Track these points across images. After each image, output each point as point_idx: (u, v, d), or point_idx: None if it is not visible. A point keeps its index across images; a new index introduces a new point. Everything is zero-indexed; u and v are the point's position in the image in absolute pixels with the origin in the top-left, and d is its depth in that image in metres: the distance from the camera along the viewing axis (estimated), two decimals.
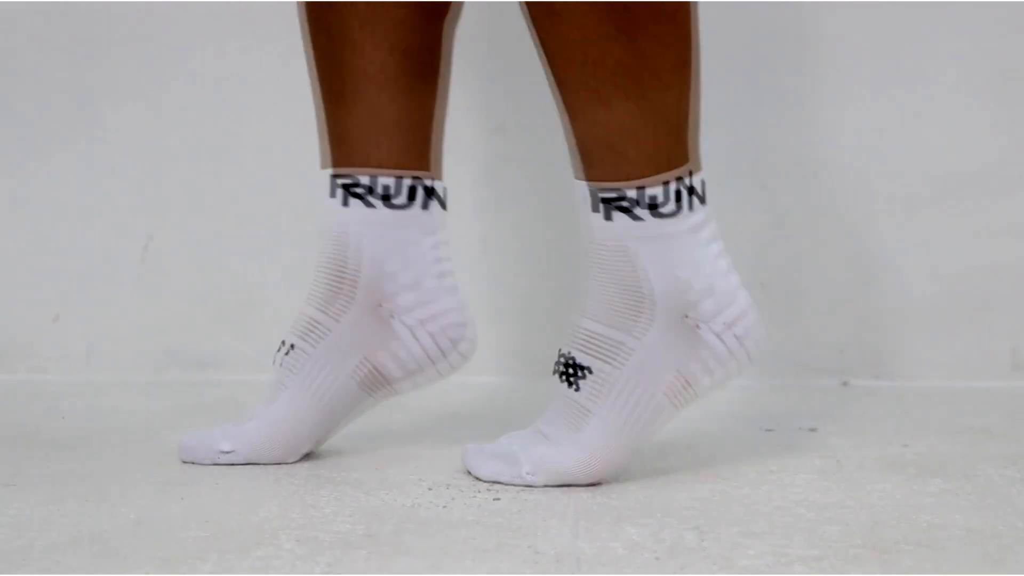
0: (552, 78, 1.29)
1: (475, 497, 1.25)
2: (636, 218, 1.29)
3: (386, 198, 1.41)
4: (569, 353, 1.33)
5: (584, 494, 1.26)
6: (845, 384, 1.91)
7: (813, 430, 1.57)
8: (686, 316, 1.31)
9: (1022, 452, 1.45)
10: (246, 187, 2.00)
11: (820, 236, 1.93)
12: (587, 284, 1.32)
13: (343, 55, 1.40)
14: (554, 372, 1.34)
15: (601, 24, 1.24)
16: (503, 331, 1.96)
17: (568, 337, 1.33)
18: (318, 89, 1.43)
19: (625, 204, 1.29)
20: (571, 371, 1.32)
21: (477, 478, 1.32)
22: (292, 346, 1.43)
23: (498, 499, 1.25)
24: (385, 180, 1.41)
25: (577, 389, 1.31)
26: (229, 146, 2.00)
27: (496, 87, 1.95)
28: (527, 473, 1.29)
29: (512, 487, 1.29)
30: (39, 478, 1.35)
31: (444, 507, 1.22)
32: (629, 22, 1.24)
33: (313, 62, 1.43)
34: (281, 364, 1.43)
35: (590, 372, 1.31)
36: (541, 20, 1.26)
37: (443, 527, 1.16)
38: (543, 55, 1.28)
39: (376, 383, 1.42)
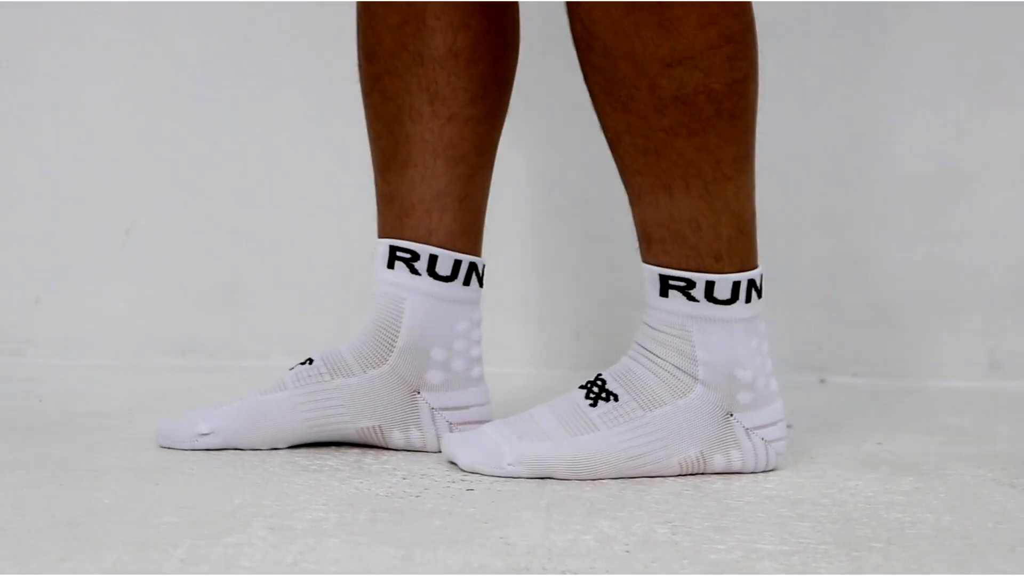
0: (617, 161, 1.31)
1: (449, 487, 1.26)
2: (692, 299, 1.31)
3: (431, 268, 1.40)
4: (603, 377, 1.34)
5: (557, 487, 1.27)
6: (822, 381, 1.92)
7: (789, 426, 1.57)
8: (722, 402, 1.32)
9: (996, 453, 1.46)
10: (228, 174, 2.00)
11: (799, 233, 1.93)
12: (639, 334, 1.34)
13: (400, 119, 1.41)
14: (581, 387, 1.34)
15: (665, 118, 1.25)
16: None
17: (609, 368, 1.35)
18: (374, 151, 1.43)
19: (682, 285, 1.30)
20: (596, 390, 1.33)
21: (457, 467, 1.32)
22: (311, 360, 1.42)
23: (471, 490, 1.25)
24: (433, 250, 1.40)
25: (593, 405, 1.32)
26: (211, 133, 2.00)
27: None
28: (508, 464, 1.29)
29: (487, 478, 1.29)
30: (14, 461, 1.35)
31: (418, 496, 1.22)
32: (694, 118, 1.25)
33: (370, 123, 1.43)
34: (292, 369, 1.42)
35: (615, 399, 1.32)
36: (607, 109, 1.28)
37: (416, 516, 1.16)
38: (607, 139, 1.30)
39: (375, 441, 1.41)
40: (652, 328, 1.33)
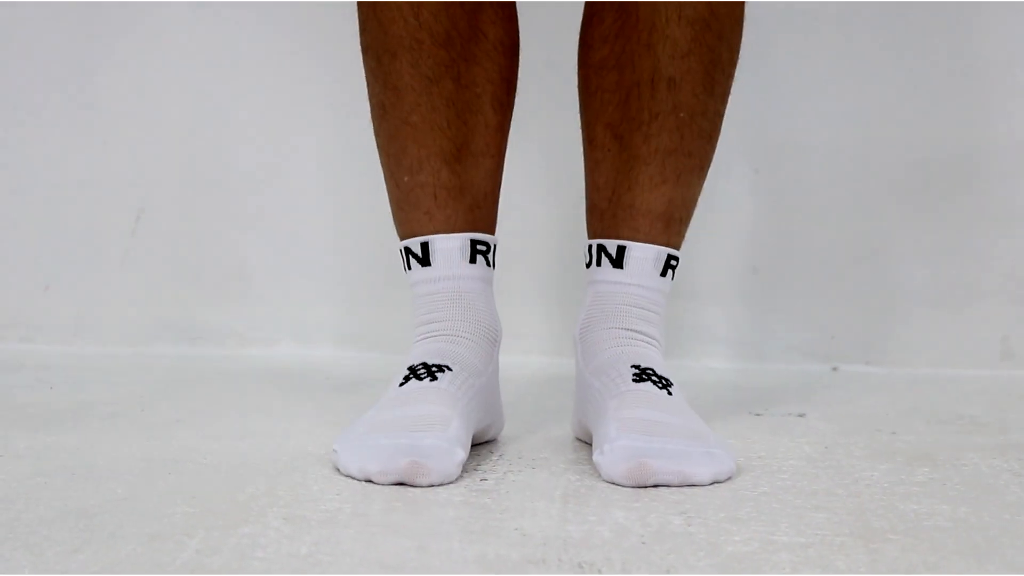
0: (662, 142, 1.37)
1: (463, 477, 1.25)
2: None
3: (495, 258, 1.41)
4: (650, 367, 1.34)
5: (572, 477, 1.26)
6: (835, 370, 1.91)
7: (802, 416, 1.57)
8: None
9: (1010, 442, 1.45)
10: (238, 162, 1.99)
11: (812, 222, 1.93)
12: (625, 317, 1.38)
13: (481, 108, 1.38)
14: (636, 379, 1.32)
15: (723, 105, 1.42)
16: None
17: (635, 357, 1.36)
18: (436, 140, 1.37)
19: (675, 264, 1.40)
20: (655, 378, 1.33)
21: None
22: (439, 367, 1.32)
23: (485, 479, 1.24)
24: (489, 238, 1.40)
25: (670, 394, 1.32)
26: (221, 121, 1.99)
27: None
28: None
29: (500, 468, 1.28)
30: (26, 451, 1.35)
31: (432, 487, 1.22)
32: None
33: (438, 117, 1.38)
34: (452, 382, 1.32)
35: (671, 385, 1.33)
36: (698, 90, 1.38)
37: (431, 507, 1.15)
38: (656, 123, 1.37)
39: (480, 439, 1.39)
40: (641, 308, 1.36)
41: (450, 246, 1.36)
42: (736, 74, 1.91)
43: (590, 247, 1.40)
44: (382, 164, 1.39)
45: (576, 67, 1.41)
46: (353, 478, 1.23)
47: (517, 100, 1.41)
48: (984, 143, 1.90)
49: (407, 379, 1.31)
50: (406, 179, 1.36)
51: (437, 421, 1.24)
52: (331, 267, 1.98)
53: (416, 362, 1.32)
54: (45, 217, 2.00)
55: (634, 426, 1.24)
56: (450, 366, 1.31)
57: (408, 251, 1.37)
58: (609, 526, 1.10)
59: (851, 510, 1.16)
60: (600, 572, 0.99)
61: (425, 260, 1.36)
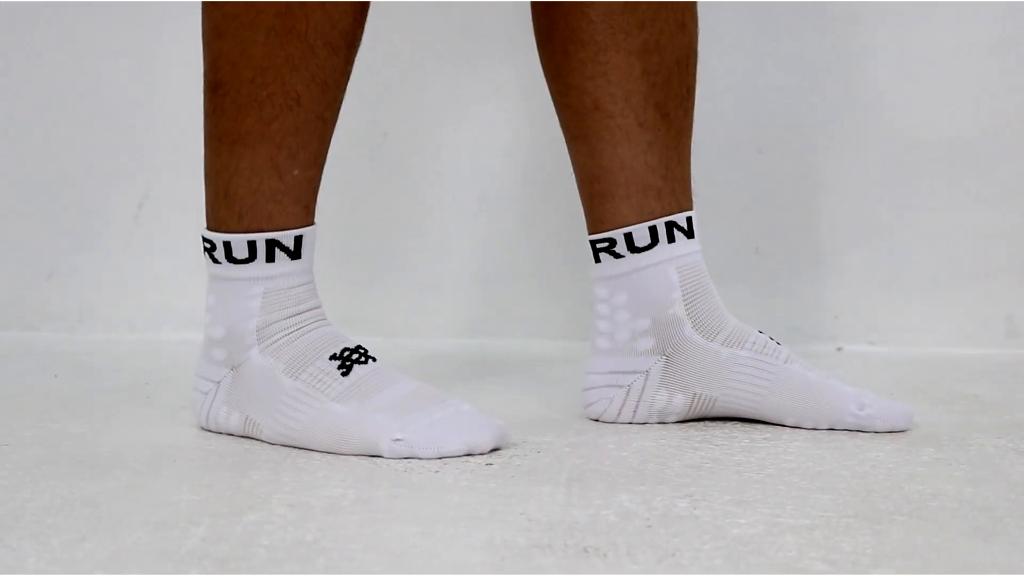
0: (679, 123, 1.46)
1: (467, 462, 1.25)
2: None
3: None
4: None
5: (577, 461, 1.26)
6: (839, 350, 1.91)
7: None
8: None
9: (1015, 422, 1.45)
10: None
11: (816, 201, 1.93)
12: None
13: None
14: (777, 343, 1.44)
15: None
16: (490, 294, 1.97)
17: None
18: None
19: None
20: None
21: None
22: (366, 349, 1.36)
23: (491, 464, 1.25)
24: None
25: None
26: None
27: (494, 48, 1.95)
28: None
29: (505, 453, 1.29)
30: (31, 439, 1.35)
31: (437, 472, 1.22)
32: None
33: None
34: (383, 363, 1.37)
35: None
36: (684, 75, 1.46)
37: (436, 493, 1.15)
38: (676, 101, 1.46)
39: None
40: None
41: (312, 240, 1.36)
42: (739, 55, 1.91)
43: (653, 228, 1.42)
44: (260, 156, 1.32)
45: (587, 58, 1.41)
46: (453, 456, 1.27)
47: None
48: (988, 122, 1.90)
49: (348, 365, 1.32)
50: (296, 173, 1.33)
51: (438, 393, 1.32)
52: (334, 252, 1.98)
53: (339, 349, 1.33)
54: (48, 205, 2.00)
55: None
56: (366, 349, 1.35)
57: (275, 244, 1.33)
58: (614, 510, 1.10)
59: (856, 491, 1.16)
60: (606, 556, 0.99)
61: (296, 253, 1.34)
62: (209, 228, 1.35)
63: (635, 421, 1.43)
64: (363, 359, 1.33)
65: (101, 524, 1.06)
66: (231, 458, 1.28)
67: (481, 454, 1.28)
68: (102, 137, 1.99)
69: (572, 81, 1.42)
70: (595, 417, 1.44)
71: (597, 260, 1.43)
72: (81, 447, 1.31)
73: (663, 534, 1.04)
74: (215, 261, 1.34)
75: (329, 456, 1.28)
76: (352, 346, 1.34)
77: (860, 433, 1.38)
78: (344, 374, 1.31)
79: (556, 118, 1.46)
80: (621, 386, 1.42)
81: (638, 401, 1.42)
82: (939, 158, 1.90)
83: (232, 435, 1.36)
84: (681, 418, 1.43)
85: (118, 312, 2.00)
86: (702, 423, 1.42)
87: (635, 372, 1.42)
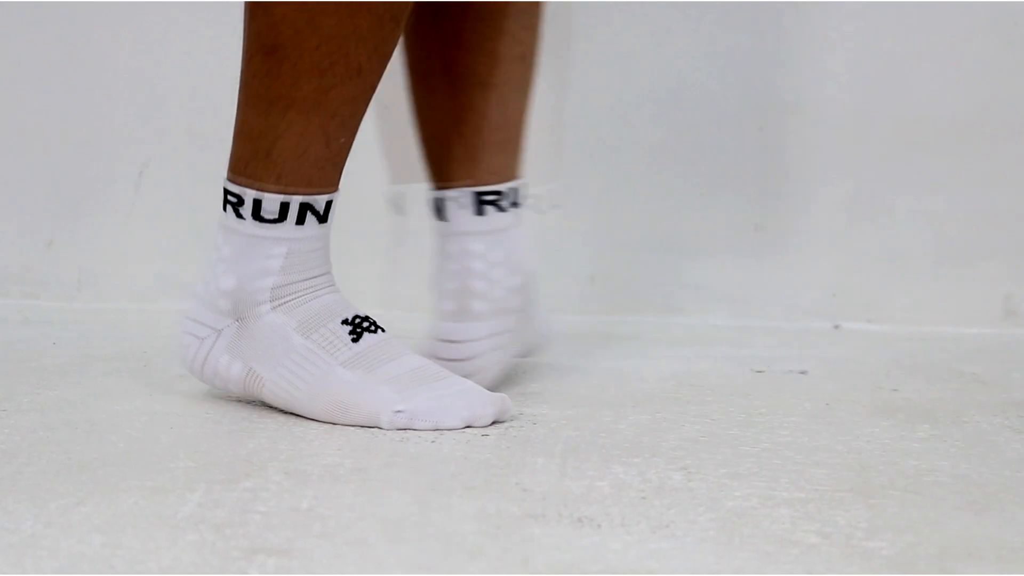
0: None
1: (464, 432, 1.26)
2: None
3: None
4: None
5: (572, 432, 1.27)
6: (837, 327, 1.91)
7: (804, 373, 1.57)
8: None
9: (1012, 400, 1.45)
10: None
11: (815, 179, 1.93)
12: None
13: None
14: None
15: None
16: None
17: None
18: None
19: None
20: None
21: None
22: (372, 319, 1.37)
23: (486, 435, 1.25)
24: None
25: None
26: (225, 74, 1.99)
27: None
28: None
29: (502, 424, 1.29)
30: (29, 405, 1.35)
31: (432, 442, 1.22)
32: None
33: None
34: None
35: None
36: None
37: (431, 462, 1.16)
38: None
39: None
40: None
41: (336, 203, 1.37)
42: (739, 29, 1.91)
43: (519, 188, 1.49)
44: (313, 123, 1.32)
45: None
46: (453, 429, 1.27)
47: None
48: (987, 102, 1.90)
49: (359, 332, 1.33)
50: (342, 140, 1.33)
51: (442, 371, 1.33)
52: (336, 223, 1.98)
53: (351, 315, 1.34)
54: (48, 173, 2.00)
55: None
56: (375, 320, 1.36)
57: (308, 207, 1.34)
58: (609, 481, 1.11)
59: (851, 466, 1.17)
60: (600, 527, 0.99)
61: (324, 218, 1.35)
62: (237, 183, 1.34)
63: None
64: (373, 328, 1.33)
65: (97, 488, 1.06)
66: (228, 426, 1.28)
67: (481, 427, 1.28)
68: (102, 106, 1.99)
69: (507, 28, 1.43)
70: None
71: (479, 213, 1.43)
72: (79, 413, 1.31)
73: (657, 505, 1.04)
74: (239, 216, 1.34)
75: (326, 425, 1.28)
76: (363, 315, 1.34)
77: (856, 410, 1.38)
78: (354, 340, 1.31)
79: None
80: (501, 347, 1.44)
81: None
82: (939, 138, 1.91)
83: (222, 391, 1.36)
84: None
85: (117, 281, 2.00)
86: (699, 397, 1.43)
87: (506, 331, 1.45)
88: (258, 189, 1.32)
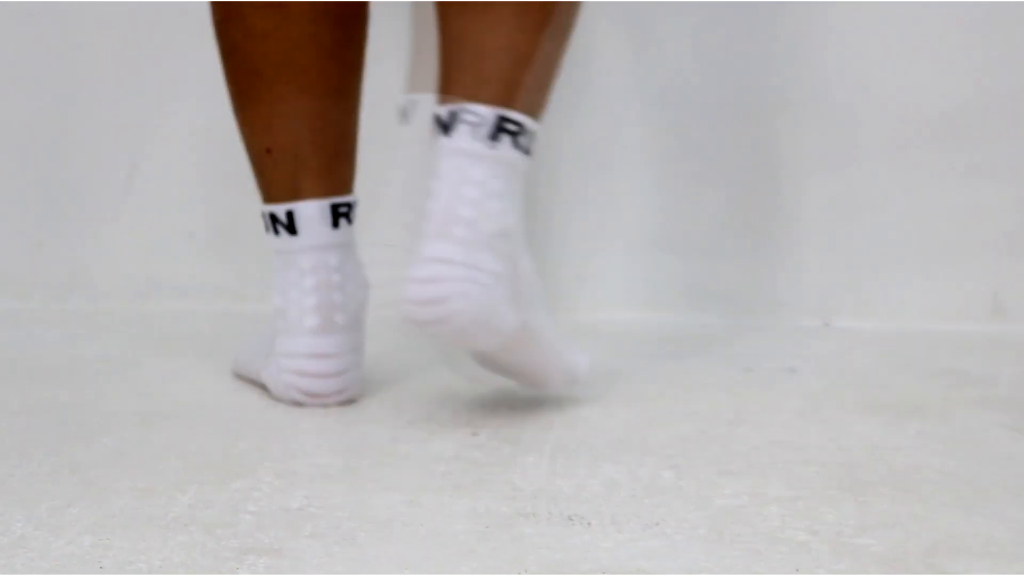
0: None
1: (454, 432, 1.26)
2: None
3: None
4: None
5: (562, 431, 1.27)
6: (826, 325, 1.91)
7: (793, 371, 1.57)
8: None
9: (1000, 396, 1.46)
10: (231, 117, 1.99)
11: (803, 175, 1.93)
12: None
13: None
14: None
15: None
16: None
17: None
18: None
19: None
20: None
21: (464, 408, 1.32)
22: None
23: (476, 434, 1.25)
24: None
25: None
26: (214, 75, 1.99)
27: None
28: None
29: (492, 423, 1.29)
30: (19, 406, 1.35)
31: (423, 441, 1.22)
32: None
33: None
34: None
35: None
36: None
37: (422, 461, 1.16)
38: None
39: None
40: None
41: None
42: (729, 26, 1.91)
43: None
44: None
45: None
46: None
47: None
48: (976, 99, 1.90)
49: None
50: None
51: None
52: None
53: None
54: (37, 174, 2.00)
55: None
56: None
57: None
58: (599, 480, 1.11)
59: (840, 464, 1.17)
60: (590, 525, 1.00)
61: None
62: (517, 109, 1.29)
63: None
64: None
65: (88, 490, 1.07)
66: (219, 426, 1.28)
67: None
68: (91, 105, 1.99)
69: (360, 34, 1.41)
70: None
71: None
72: (69, 414, 1.32)
73: (648, 503, 1.05)
74: (517, 146, 1.30)
75: (316, 424, 1.28)
76: None
77: (845, 407, 1.38)
78: None
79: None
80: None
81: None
82: (928, 133, 1.91)
83: (469, 350, 1.32)
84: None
85: (108, 282, 1.99)
86: (688, 395, 1.43)
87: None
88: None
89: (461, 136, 1.25)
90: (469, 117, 1.26)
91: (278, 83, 1.37)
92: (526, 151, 1.29)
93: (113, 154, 1.99)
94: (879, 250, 1.93)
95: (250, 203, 1.97)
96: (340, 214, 1.38)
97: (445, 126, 1.26)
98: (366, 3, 1.39)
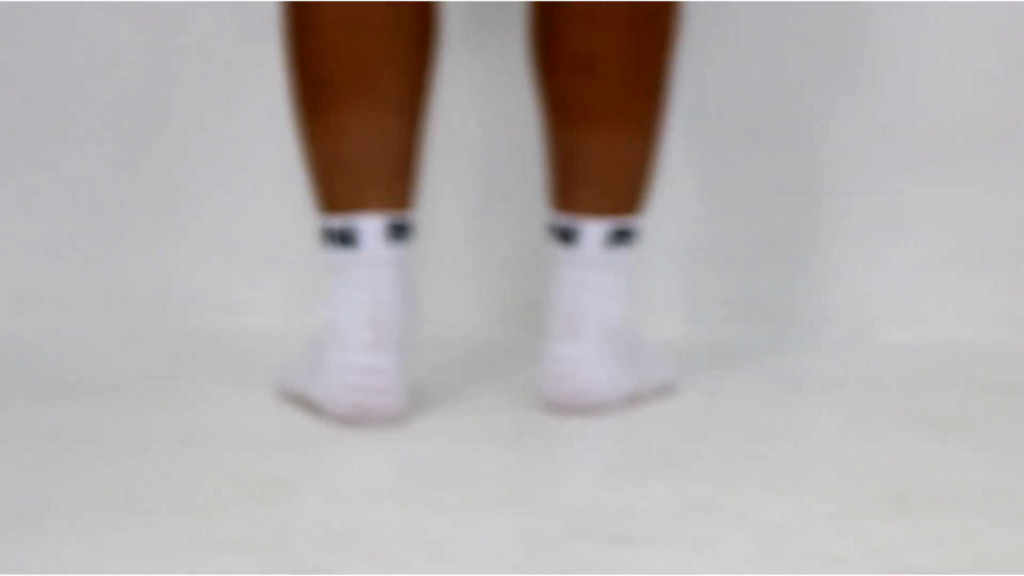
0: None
1: (500, 450, 1.26)
2: None
3: None
4: None
5: (607, 448, 1.27)
6: (868, 337, 1.91)
7: (835, 384, 1.57)
8: None
9: None
10: (269, 134, 2.00)
11: (842, 187, 1.92)
12: None
13: None
14: None
15: None
16: (521, 284, 1.97)
17: None
18: None
19: None
20: None
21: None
22: None
23: (522, 452, 1.25)
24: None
25: None
26: (253, 91, 1.99)
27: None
28: None
29: (537, 441, 1.29)
30: (63, 426, 1.36)
31: (469, 460, 1.22)
32: None
33: None
34: None
35: None
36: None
37: (469, 481, 1.16)
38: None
39: None
40: None
41: None
42: (766, 37, 1.91)
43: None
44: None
45: None
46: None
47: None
48: (1014, 107, 1.90)
49: None
50: None
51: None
52: None
53: None
54: (74, 192, 2.01)
55: None
56: None
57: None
58: (646, 497, 1.11)
59: (885, 479, 1.17)
60: (639, 544, 1.00)
61: None
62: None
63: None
64: None
65: (132, 513, 1.07)
66: (262, 445, 1.28)
67: None
68: (127, 122, 2.00)
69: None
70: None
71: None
72: (109, 435, 1.32)
73: (696, 521, 1.05)
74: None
75: (361, 444, 1.28)
76: None
77: (889, 421, 1.38)
78: None
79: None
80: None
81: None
82: (966, 143, 1.90)
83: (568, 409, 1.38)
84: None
85: (144, 300, 2.00)
86: (731, 410, 1.43)
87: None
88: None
89: (580, 248, 1.40)
90: (587, 230, 1.40)
91: (346, 96, 1.36)
92: (635, 243, 1.44)
93: (152, 171, 2.00)
94: (919, 261, 1.92)
95: (292, 221, 1.98)
96: (398, 231, 1.37)
97: (565, 237, 1.41)
98: (439, 25, 1.41)
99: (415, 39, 1.38)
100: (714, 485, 1.14)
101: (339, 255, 1.37)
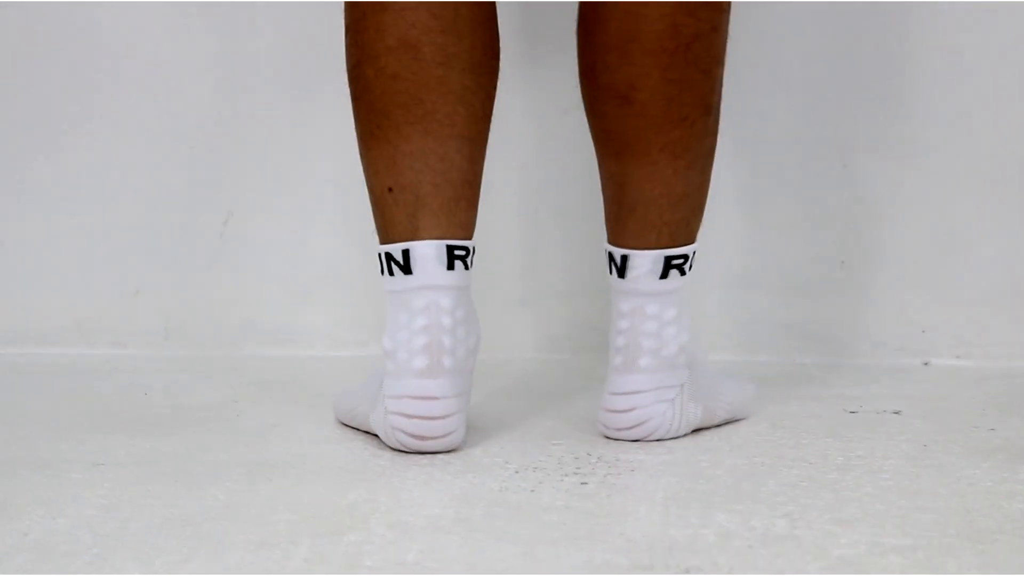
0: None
1: (562, 481, 1.25)
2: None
3: None
4: None
5: (671, 479, 1.26)
6: (926, 364, 1.89)
7: (897, 413, 1.55)
8: None
9: None
10: (325, 163, 2.00)
11: (901, 214, 1.91)
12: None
13: None
14: None
15: None
16: (544, 311, 1.96)
17: None
18: None
19: None
20: None
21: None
22: None
23: (585, 483, 1.24)
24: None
25: None
26: (308, 122, 2.00)
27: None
28: None
29: (600, 471, 1.28)
30: (126, 457, 1.36)
31: (532, 491, 1.22)
32: None
33: None
34: None
35: None
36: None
37: (533, 512, 1.15)
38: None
39: None
40: None
41: None
42: (821, 62, 1.90)
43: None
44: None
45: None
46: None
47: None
48: None
49: None
50: None
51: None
52: None
53: None
54: (133, 222, 2.02)
55: None
56: None
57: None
58: (713, 529, 1.10)
59: (956, 510, 1.15)
60: None
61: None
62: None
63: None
64: None
65: (203, 544, 1.07)
66: (327, 477, 1.28)
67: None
68: (186, 156, 2.00)
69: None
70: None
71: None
72: (175, 465, 1.32)
73: (765, 554, 1.04)
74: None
75: (423, 473, 1.28)
76: None
77: (955, 451, 1.37)
78: None
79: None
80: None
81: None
82: None
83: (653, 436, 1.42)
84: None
85: (204, 328, 2.01)
86: (794, 439, 1.41)
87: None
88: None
89: (635, 279, 1.41)
90: (640, 261, 1.40)
91: (404, 123, 1.37)
92: (689, 269, 1.44)
93: (208, 202, 2.00)
94: (977, 287, 1.91)
95: (345, 249, 1.99)
96: (456, 257, 1.37)
97: (619, 269, 1.41)
98: (496, 52, 1.41)
99: (472, 66, 1.38)
100: (781, 516, 1.13)
101: (397, 281, 1.37)
